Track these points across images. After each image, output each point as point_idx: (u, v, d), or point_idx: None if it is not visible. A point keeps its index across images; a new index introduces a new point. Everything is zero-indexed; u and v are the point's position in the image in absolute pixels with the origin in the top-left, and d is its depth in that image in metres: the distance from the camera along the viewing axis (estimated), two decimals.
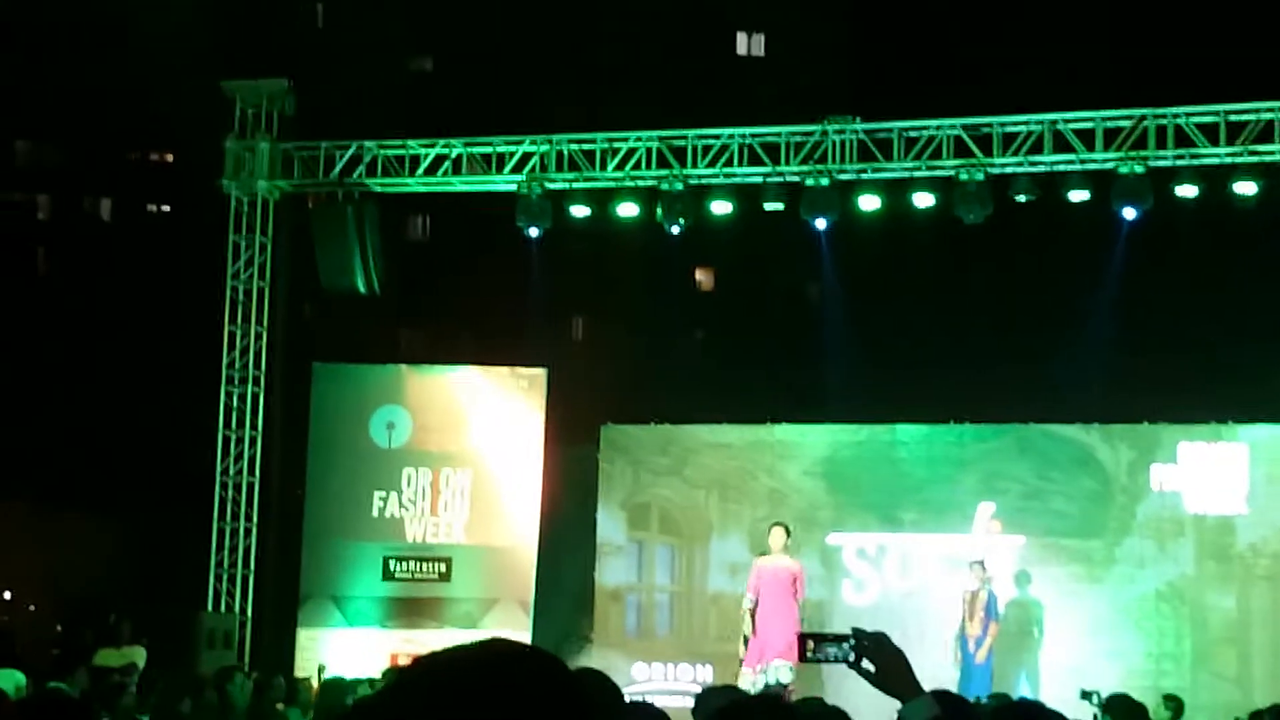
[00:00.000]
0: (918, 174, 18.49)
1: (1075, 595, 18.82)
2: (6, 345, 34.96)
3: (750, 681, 15.75)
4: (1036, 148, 18.14)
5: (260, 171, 19.95)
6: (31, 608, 28.39)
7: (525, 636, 19.18)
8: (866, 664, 4.13)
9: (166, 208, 39.96)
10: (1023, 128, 18.26)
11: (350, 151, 19.85)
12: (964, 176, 18.20)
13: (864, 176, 18.63)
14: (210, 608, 19.53)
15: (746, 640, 16.54)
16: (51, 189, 40.65)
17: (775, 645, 15.95)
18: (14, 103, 36.71)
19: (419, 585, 19.71)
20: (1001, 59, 29.11)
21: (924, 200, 18.51)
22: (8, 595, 28.20)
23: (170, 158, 39.63)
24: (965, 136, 18.34)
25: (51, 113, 37.38)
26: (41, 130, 39.39)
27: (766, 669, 15.94)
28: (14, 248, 38.87)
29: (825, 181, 18.53)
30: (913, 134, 18.52)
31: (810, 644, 4.38)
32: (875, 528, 19.56)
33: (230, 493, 19.87)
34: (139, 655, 17.85)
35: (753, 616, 16.53)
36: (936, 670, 15.91)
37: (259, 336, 20.09)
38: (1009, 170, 18.23)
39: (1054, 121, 18.16)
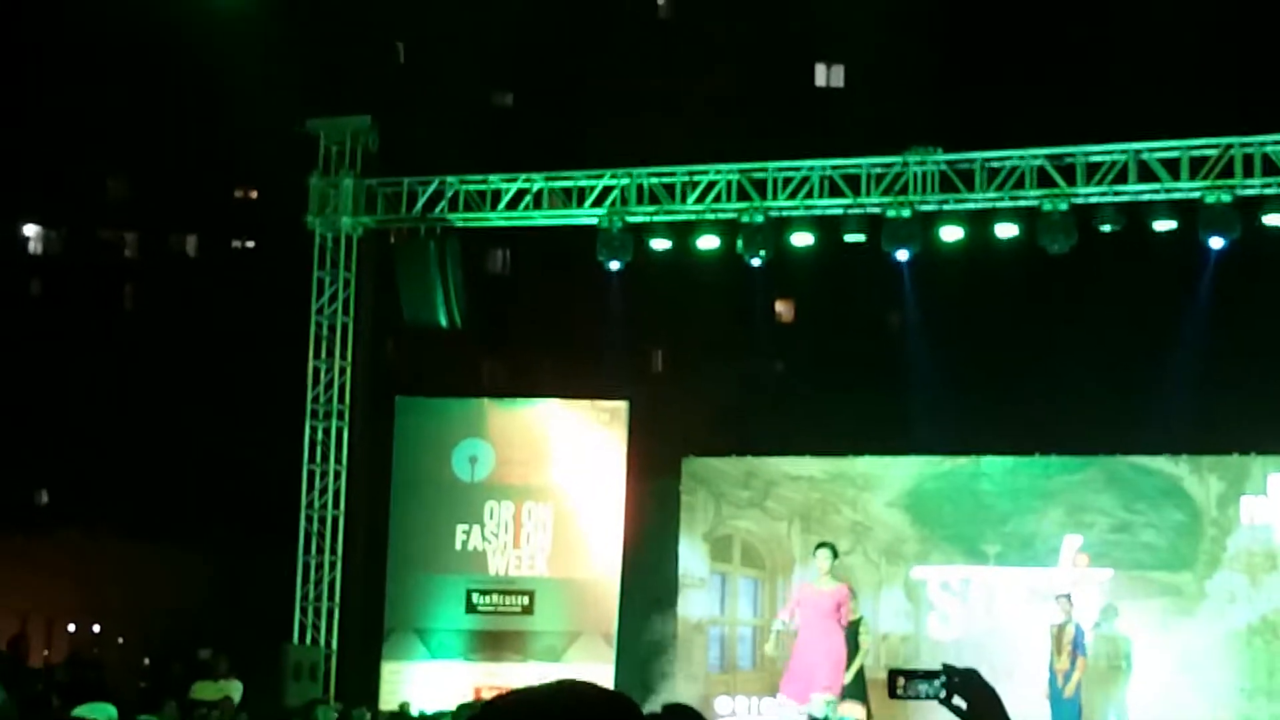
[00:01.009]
0: (1000, 204, 18.37)
1: (1164, 629, 18.58)
2: (95, 381, 35.44)
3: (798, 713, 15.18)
4: (1121, 177, 17.99)
5: (344, 208, 20.14)
6: (120, 640, 28.68)
7: (608, 670, 19.19)
8: (958, 701, 4.09)
9: (251, 244, 40.40)
10: (1107, 157, 18.11)
11: (432, 187, 20.00)
12: (1047, 207, 18.07)
13: (946, 207, 18.54)
14: (296, 640, 19.66)
15: (773, 663, 16.22)
16: (139, 226, 41.22)
17: (819, 677, 15.21)
18: (102, 140, 37.30)
19: (502, 618, 19.76)
20: (1085, 88, 28.92)
21: (1007, 231, 18.39)
22: (97, 628, 28.51)
23: (255, 194, 40.09)
24: (1049, 166, 18.22)
25: (139, 150, 37.93)
26: (129, 167, 39.98)
27: (812, 704, 15.16)
28: (102, 284, 39.43)
29: (907, 213, 18.46)
30: (995, 164, 18.42)
31: (900, 680, 4.35)
32: (959, 561, 19.41)
33: (315, 526, 20.01)
34: (235, 689, 18.02)
35: (783, 639, 15.84)
36: (1026, 706, 15.78)
37: (343, 371, 20.25)
38: (1093, 200, 18.08)
39: (1139, 151, 18.00)
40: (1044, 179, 18.20)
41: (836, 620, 15.52)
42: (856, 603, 17.80)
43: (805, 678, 15.30)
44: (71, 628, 27.90)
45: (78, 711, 9.86)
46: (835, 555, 15.86)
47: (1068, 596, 17.61)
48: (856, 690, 17.27)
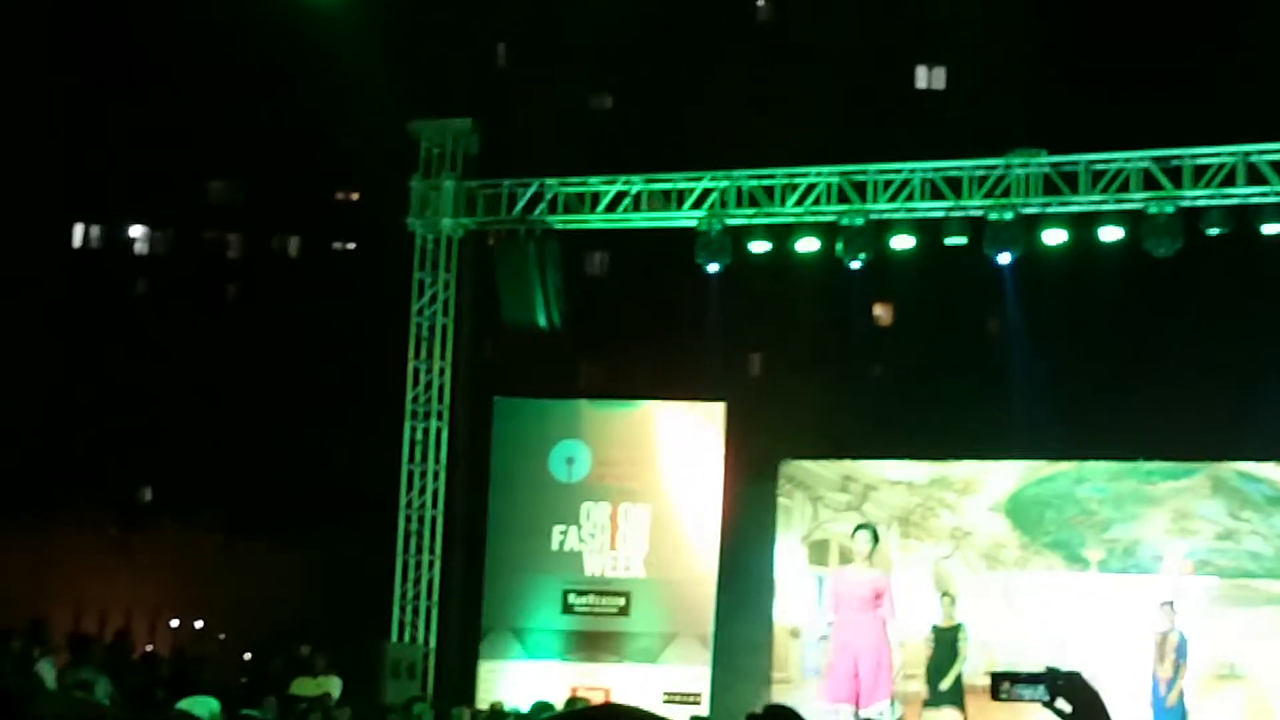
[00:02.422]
0: (1105, 207, 18.17)
1: (1271, 638, 18.27)
2: (199, 381, 35.94)
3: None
4: (1229, 180, 17.73)
5: (444, 210, 20.28)
6: (221, 636, 29.06)
7: (704, 671, 19.18)
8: (1062, 704, 4.05)
9: (352, 245, 40.80)
10: (1215, 159, 17.85)
11: (532, 189, 20.10)
12: (1153, 210, 17.84)
13: (1049, 210, 18.35)
14: (395, 638, 19.82)
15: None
16: (241, 227, 41.77)
17: (869, 679, 13.89)
18: (205, 143, 37.81)
19: (598, 619, 19.80)
20: (1192, 89, 28.54)
21: (1112, 234, 18.18)
22: (199, 623, 28.91)
23: (356, 196, 40.49)
24: (1154, 169, 17.99)
25: (241, 152, 38.42)
26: (232, 170, 40.52)
27: (872, 710, 13.92)
28: (206, 285, 39.99)
29: (1009, 215, 18.30)
30: (1100, 166, 18.21)
31: (1004, 684, 4.32)
32: (1061, 567, 19.20)
33: (414, 525, 20.16)
34: (334, 685, 18.20)
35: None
36: (1128, 713, 15.59)
37: (442, 372, 20.39)
38: (1200, 203, 17.83)
39: (1247, 153, 17.73)
40: (1150, 181, 17.98)
41: (876, 611, 14.14)
42: (953, 607, 17.68)
43: (852, 678, 14.01)
44: (174, 623, 28.31)
45: (181, 704, 10.00)
46: (875, 540, 14.59)
47: (1171, 604, 17.41)
48: (953, 697, 17.13)
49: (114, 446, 34.42)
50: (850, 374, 31.81)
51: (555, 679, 19.16)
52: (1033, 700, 4.19)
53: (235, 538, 28.35)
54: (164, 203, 40.14)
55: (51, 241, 37.24)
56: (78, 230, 41.05)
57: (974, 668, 17.33)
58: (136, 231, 42.52)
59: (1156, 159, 18.02)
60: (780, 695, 18.64)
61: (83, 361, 36.13)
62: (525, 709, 15.30)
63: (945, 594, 18.20)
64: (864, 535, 14.47)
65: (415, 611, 19.99)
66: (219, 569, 27.94)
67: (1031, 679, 4.22)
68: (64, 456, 34.78)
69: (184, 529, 28.32)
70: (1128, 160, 18.10)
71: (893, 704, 14.19)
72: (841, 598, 14.31)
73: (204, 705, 9.83)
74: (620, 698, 17.96)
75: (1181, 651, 17.10)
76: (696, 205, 19.42)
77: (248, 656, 29.09)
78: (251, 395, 36.14)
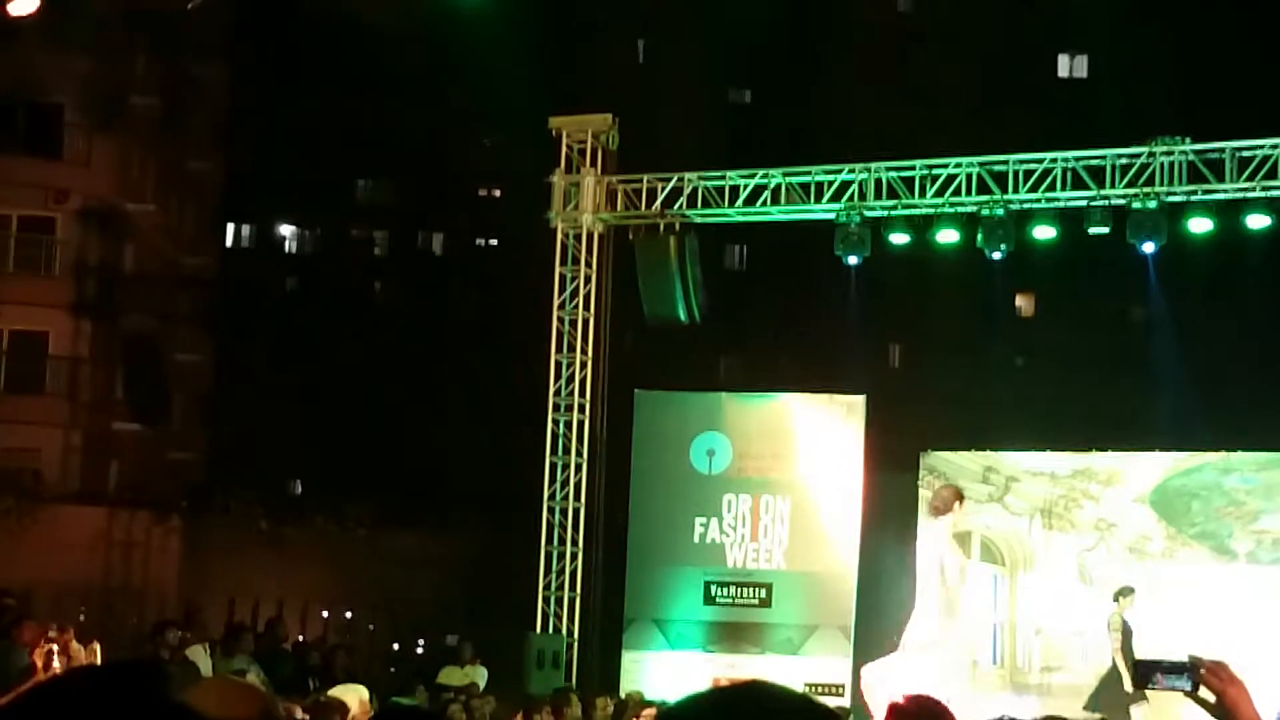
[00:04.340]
0: (1251, 195, 17.88)
1: None
2: (348, 376, 36.60)
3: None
4: None
5: (585, 205, 20.48)
6: (370, 626, 29.57)
7: (846, 663, 19.20)
8: (1205, 694, 4.05)
9: (495, 241, 41.27)
10: None
11: (671, 183, 20.22)
12: None
13: (1194, 198, 18.11)
14: (539, 629, 20.06)
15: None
16: (388, 225, 42.45)
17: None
18: (353, 143, 38.48)
19: (740, 610, 19.89)
20: None
21: (1259, 222, 17.90)
22: (349, 614, 29.44)
23: (499, 193, 40.95)
24: None
25: (387, 152, 39.04)
26: (378, 169, 41.19)
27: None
28: (353, 281, 40.71)
29: (1153, 204, 18.09)
30: (1246, 153, 17.92)
31: (1148, 672, 4.32)
32: (1208, 559, 18.95)
33: (557, 517, 20.39)
34: (480, 675, 18.52)
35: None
36: (1275, 705, 15.35)
37: (584, 365, 20.59)
38: None
39: None
40: None
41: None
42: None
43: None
44: (324, 613, 28.85)
45: (333, 692, 10.31)
46: (960, 499, 15.39)
47: None
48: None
49: (265, 441, 35.18)
50: (991, 365, 31.56)
51: (697, 670, 19.30)
52: (1176, 689, 4.20)
53: (383, 529, 28.82)
54: (313, 202, 40.93)
55: (207, 240, 38.11)
56: (230, 229, 42.00)
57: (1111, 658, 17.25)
58: (286, 230, 43.42)
59: None
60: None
61: (235, 358, 36.97)
62: (670, 700, 15.47)
63: (1127, 588, 18.27)
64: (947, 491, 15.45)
65: (559, 602, 20.22)
66: (368, 560, 28.42)
67: (1176, 668, 4.21)
68: (217, 452, 35.64)
69: (334, 521, 28.85)
70: (1275, 146, 17.80)
71: None
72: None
73: (354, 693, 10.13)
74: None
75: None
76: (835, 198, 19.43)
77: (396, 646, 29.60)
78: (398, 390, 36.74)
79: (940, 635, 15.25)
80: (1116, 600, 18.37)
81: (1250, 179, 17.84)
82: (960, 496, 16.14)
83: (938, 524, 15.93)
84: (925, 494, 20.12)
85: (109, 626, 23.46)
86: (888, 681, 14.21)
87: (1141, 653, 16.97)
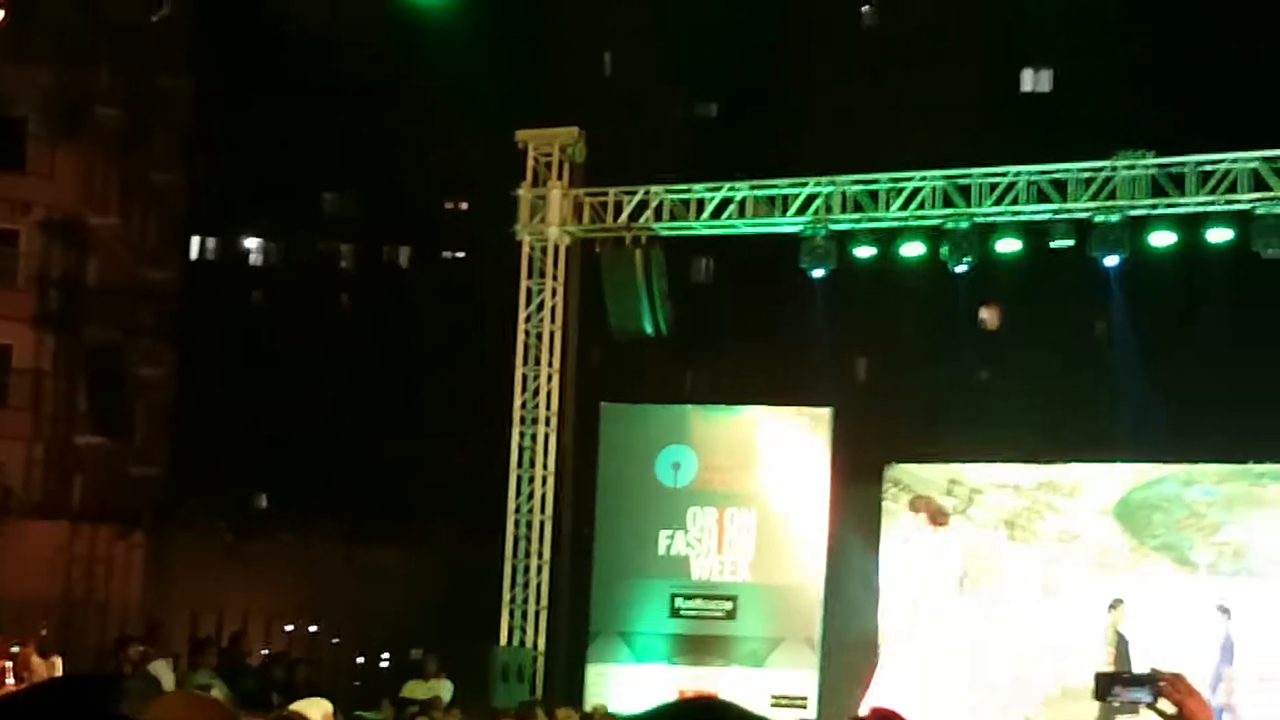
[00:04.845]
0: (1213, 208, 17.99)
1: None
2: (312, 389, 36.48)
3: None
4: None
5: (552, 218, 20.46)
6: (335, 640, 29.47)
7: (812, 675, 19.22)
8: (1165, 705, 4.08)
9: (461, 254, 41.21)
10: None
11: (638, 196, 20.22)
12: (1262, 210, 17.65)
13: (1156, 212, 18.21)
14: (504, 642, 20.01)
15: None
16: (353, 238, 42.36)
17: None
18: (318, 156, 38.39)
19: (705, 623, 19.88)
20: None
21: (1220, 235, 18.01)
22: (313, 628, 29.34)
23: (465, 206, 40.91)
24: (1263, 169, 17.79)
25: (353, 164, 38.97)
26: (343, 182, 41.11)
27: None
28: (319, 295, 40.59)
29: (1116, 218, 18.18)
30: (1208, 168, 18.04)
31: (1108, 684, 4.35)
32: (1170, 571, 19.03)
33: (523, 530, 20.34)
34: (445, 689, 18.46)
35: None
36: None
37: (550, 378, 20.57)
38: None
39: None
40: (1258, 182, 17.79)
41: None
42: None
43: None
44: (289, 627, 28.73)
45: (295, 706, 10.24)
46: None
47: (1226, 610, 17.70)
48: None
49: (229, 455, 35.04)
50: (956, 378, 31.66)
51: (662, 682, 19.27)
52: (1136, 701, 4.23)
53: (347, 543, 28.74)
54: (277, 215, 40.81)
55: (171, 253, 37.95)
56: (194, 242, 41.83)
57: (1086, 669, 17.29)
58: (251, 243, 43.28)
59: (1265, 159, 17.82)
60: (887, 698, 18.60)
61: (199, 371, 36.81)
62: (633, 712, 15.44)
63: (1118, 600, 18.35)
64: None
65: (524, 615, 20.17)
66: (332, 574, 28.35)
67: (1136, 680, 4.25)
68: (181, 465, 35.49)
69: (297, 535, 28.75)
70: (1235, 161, 17.92)
71: None
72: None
73: (317, 708, 10.07)
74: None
75: (1227, 654, 17.50)
76: (801, 211, 19.47)
77: (360, 660, 29.51)
78: (362, 403, 36.64)
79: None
80: (1110, 611, 18.43)
81: (1212, 193, 17.95)
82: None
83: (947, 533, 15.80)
84: (891, 506, 20.17)
85: (71, 641, 23.32)
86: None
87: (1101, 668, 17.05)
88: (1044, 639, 19.08)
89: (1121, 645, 17.93)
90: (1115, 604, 18.37)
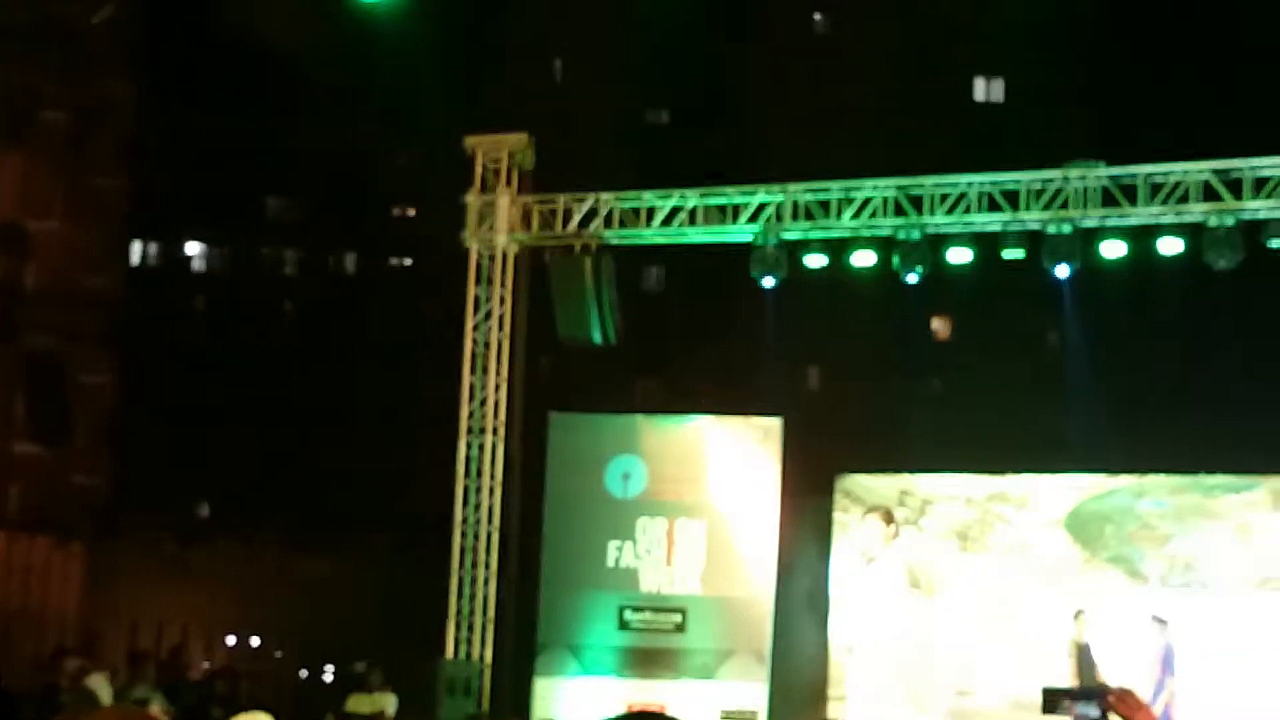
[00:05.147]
0: (1165, 220, 17.97)
1: None
2: (257, 397, 36.13)
3: None
4: None
5: (500, 225, 20.27)
6: (278, 653, 29.15)
7: (762, 688, 19.08)
8: (1113, 719, 4.00)
9: (409, 262, 40.97)
10: (1275, 171, 17.62)
11: (588, 204, 20.06)
12: (1213, 222, 17.63)
13: (1108, 223, 18.18)
14: (450, 655, 19.78)
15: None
16: (299, 244, 42.02)
17: None
18: (263, 161, 38.06)
19: (654, 635, 19.71)
20: (1252, 100, 28.26)
21: (1171, 247, 18.00)
22: (255, 640, 29.00)
23: (413, 213, 40.67)
24: (1215, 180, 17.78)
25: (298, 170, 38.66)
26: (289, 187, 40.78)
27: None
28: (263, 302, 40.23)
29: (1067, 228, 18.13)
30: (1159, 179, 18.02)
31: (1056, 698, 4.27)
32: (1121, 582, 18.99)
33: (469, 541, 20.13)
34: (390, 702, 18.22)
35: None
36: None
37: (498, 387, 20.37)
38: (1261, 215, 17.61)
39: None
40: (1210, 193, 17.77)
41: None
42: (1085, 624, 17.78)
43: None
44: (231, 640, 28.40)
45: None
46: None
47: (1162, 619, 17.92)
48: None
49: (171, 464, 34.64)
50: (907, 388, 31.66)
51: (611, 696, 19.09)
52: (1085, 715, 4.15)
53: (291, 554, 28.44)
54: (221, 220, 40.43)
55: (113, 259, 37.53)
56: (136, 247, 41.38)
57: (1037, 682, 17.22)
58: (194, 249, 42.86)
59: (1216, 170, 17.81)
60: (836, 711, 18.51)
61: (141, 379, 36.38)
62: None
63: (1080, 612, 18.28)
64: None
65: (470, 628, 19.95)
66: (275, 586, 28.03)
67: (1084, 694, 4.18)
68: (121, 474, 35.04)
69: (240, 546, 28.43)
70: (1187, 172, 17.91)
71: None
72: None
73: None
74: (676, 715, 17.89)
75: (1168, 665, 17.46)
76: (752, 219, 19.34)
77: (304, 674, 29.19)
78: (308, 412, 36.31)
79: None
80: (1074, 621, 18.41)
81: (1163, 204, 17.93)
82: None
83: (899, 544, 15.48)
84: (840, 517, 20.05)
85: (7, 654, 22.92)
86: None
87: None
88: (996, 651, 19.01)
89: (1083, 656, 17.90)
90: (1078, 614, 18.32)
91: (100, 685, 15.63)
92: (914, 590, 19.86)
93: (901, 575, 19.79)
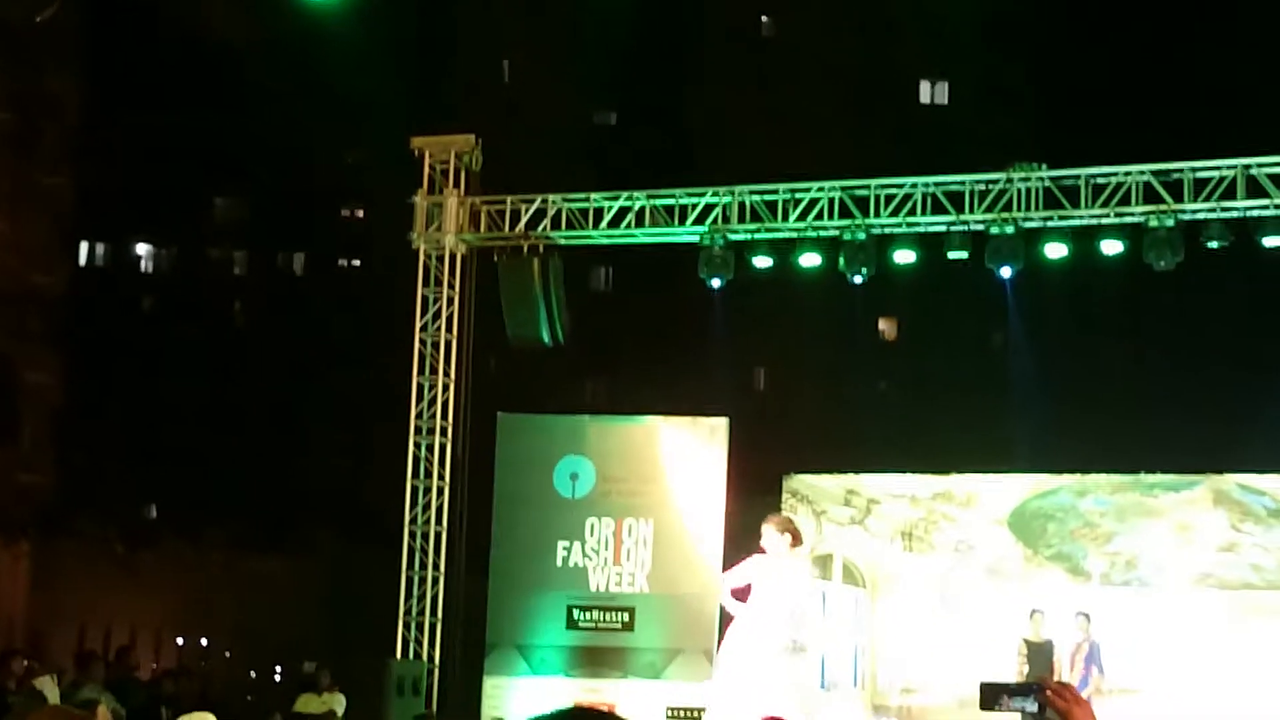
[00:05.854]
0: (1106, 221, 18.17)
1: (1275, 650, 18.26)
2: (204, 396, 35.99)
3: None
4: (1229, 193, 17.71)
5: (448, 226, 20.29)
6: (227, 653, 29.07)
7: (709, 687, 19.16)
8: (1052, 715, 4.07)
9: (357, 262, 40.88)
10: (1215, 173, 17.85)
11: (535, 205, 20.11)
12: (1154, 223, 17.84)
13: (1050, 224, 18.36)
14: (399, 655, 19.79)
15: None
16: (247, 244, 41.87)
17: None
18: (211, 161, 37.91)
19: (603, 635, 19.78)
20: (1192, 103, 28.59)
21: (1112, 247, 18.19)
22: (204, 641, 28.92)
23: (361, 213, 40.59)
24: (1155, 182, 17.99)
25: (246, 170, 38.52)
26: (237, 187, 40.62)
27: None
28: (211, 302, 40.07)
29: (1010, 229, 18.30)
30: (1100, 180, 18.21)
31: (994, 694, 4.34)
32: (1064, 580, 19.20)
33: (418, 541, 20.14)
34: (339, 703, 18.22)
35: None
36: None
37: (446, 388, 20.39)
38: (1201, 216, 17.83)
39: (1247, 166, 17.73)
40: (1150, 195, 17.98)
41: None
42: (1043, 623, 17.89)
43: None
44: (179, 640, 28.31)
45: None
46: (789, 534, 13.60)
47: (1086, 615, 18.02)
48: None
49: (118, 464, 34.46)
50: (853, 388, 31.83)
51: (560, 695, 19.14)
52: (1022, 711, 4.22)
53: (240, 554, 28.37)
54: (169, 220, 40.25)
55: (58, 258, 37.32)
56: (83, 248, 41.14)
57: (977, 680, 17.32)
58: (141, 249, 42.64)
59: (1156, 172, 18.02)
60: (784, 708, 18.58)
61: (88, 378, 36.19)
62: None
63: (1036, 611, 18.36)
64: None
65: (420, 628, 19.97)
66: (224, 586, 27.96)
67: (1022, 689, 4.24)
68: (68, 474, 34.85)
69: (189, 546, 28.33)
70: (1128, 174, 18.11)
71: None
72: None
73: None
74: (625, 713, 17.96)
75: (1093, 660, 17.67)
76: (699, 221, 19.43)
77: (253, 674, 29.11)
78: (256, 412, 36.19)
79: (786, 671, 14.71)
80: (1029, 620, 18.49)
81: (1104, 205, 18.12)
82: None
83: (797, 556, 14.92)
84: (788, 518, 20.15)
85: None
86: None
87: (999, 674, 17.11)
88: (942, 650, 19.18)
89: (1034, 653, 17.97)
90: (1033, 614, 18.40)
91: (48, 686, 15.57)
92: (860, 589, 20.02)
93: (851, 578, 19.94)
